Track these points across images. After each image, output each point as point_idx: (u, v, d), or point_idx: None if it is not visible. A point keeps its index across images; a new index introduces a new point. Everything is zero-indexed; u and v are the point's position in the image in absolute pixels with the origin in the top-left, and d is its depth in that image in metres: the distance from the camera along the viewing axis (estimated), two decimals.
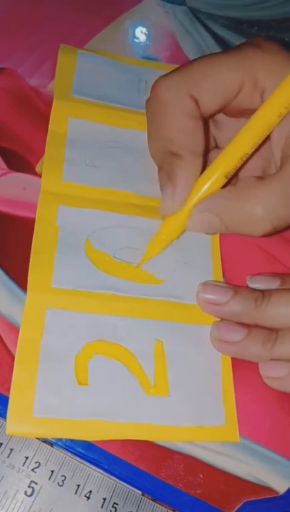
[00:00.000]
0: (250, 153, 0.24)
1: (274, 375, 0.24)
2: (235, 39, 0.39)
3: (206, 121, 0.25)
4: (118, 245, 0.26)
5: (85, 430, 0.21)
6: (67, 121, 0.30)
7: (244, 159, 0.24)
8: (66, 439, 0.22)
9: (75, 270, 0.25)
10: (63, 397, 0.22)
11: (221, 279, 0.27)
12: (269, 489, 0.22)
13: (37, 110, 0.31)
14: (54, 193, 0.27)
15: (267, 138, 0.24)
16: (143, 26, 0.37)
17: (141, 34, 0.37)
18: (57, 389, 0.22)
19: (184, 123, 0.24)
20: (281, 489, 0.22)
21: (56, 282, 0.24)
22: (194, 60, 0.25)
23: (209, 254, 0.27)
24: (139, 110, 0.31)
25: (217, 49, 0.37)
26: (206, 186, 0.24)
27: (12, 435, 0.21)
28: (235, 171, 0.24)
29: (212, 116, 0.26)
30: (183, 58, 0.36)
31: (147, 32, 0.37)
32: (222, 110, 0.25)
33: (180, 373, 0.24)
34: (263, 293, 0.24)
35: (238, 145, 0.24)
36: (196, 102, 0.24)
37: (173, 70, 0.25)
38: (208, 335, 0.25)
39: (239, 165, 0.24)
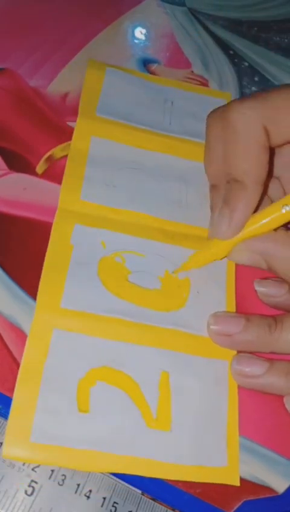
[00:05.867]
0: None
1: None
2: (235, 40, 0.39)
3: (273, 149, 0.25)
4: (132, 268, 0.26)
5: (81, 460, 0.21)
6: (89, 140, 0.29)
7: None
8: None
9: (86, 292, 0.24)
10: (61, 423, 0.21)
11: (234, 310, 0.26)
12: (269, 489, 0.22)
13: (38, 111, 0.31)
14: (71, 211, 0.27)
15: None
16: (143, 27, 0.38)
17: (140, 34, 0.37)
18: (57, 415, 0.21)
19: (253, 153, 0.24)
20: (280, 488, 0.22)
21: (65, 303, 0.24)
22: (273, 88, 0.24)
23: (223, 284, 0.26)
24: (163, 133, 0.31)
25: (217, 49, 0.38)
26: (265, 221, 0.24)
27: (7, 458, 0.21)
28: None
29: (281, 145, 0.25)
30: (183, 59, 0.36)
31: (146, 33, 0.37)
32: None
33: (184, 407, 0.23)
34: (275, 319, 0.24)
35: None
36: (267, 133, 0.24)
37: (250, 97, 0.24)
38: (216, 369, 0.24)
39: None
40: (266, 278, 0.26)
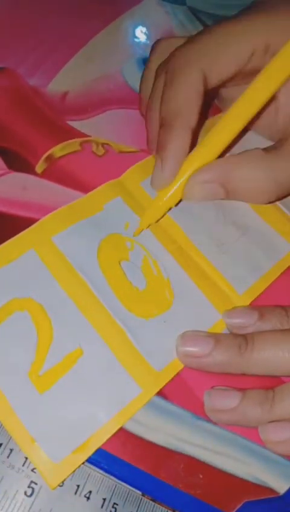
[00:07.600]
0: (251, 117, 0.24)
1: (277, 438, 0.22)
2: None
3: (210, 92, 0.25)
4: (132, 258, 0.26)
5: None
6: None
7: (249, 118, 0.24)
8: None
9: (79, 244, 0.25)
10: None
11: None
12: (269, 490, 0.22)
13: (37, 110, 0.31)
14: (124, 186, 0.28)
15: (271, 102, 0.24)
16: (143, 26, 0.37)
17: (141, 33, 0.37)
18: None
19: (185, 97, 0.24)
20: (281, 489, 0.22)
21: (58, 239, 0.25)
22: (208, 29, 0.25)
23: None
24: None
25: None
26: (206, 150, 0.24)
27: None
28: (236, 134, 0.24)
29: (221, 85, 0.26)
30: None
31: (147, 32, 0.37)
32: (232, 78, 0.25)
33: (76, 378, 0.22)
34: (246, 338, 0.22)
35: (240, 106, 0.24)
36: (205, 76, 0.24)
37: (189, 41, 0.25)
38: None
39: (242, 126, 0.24)
40: (233, 308, 0.25)
